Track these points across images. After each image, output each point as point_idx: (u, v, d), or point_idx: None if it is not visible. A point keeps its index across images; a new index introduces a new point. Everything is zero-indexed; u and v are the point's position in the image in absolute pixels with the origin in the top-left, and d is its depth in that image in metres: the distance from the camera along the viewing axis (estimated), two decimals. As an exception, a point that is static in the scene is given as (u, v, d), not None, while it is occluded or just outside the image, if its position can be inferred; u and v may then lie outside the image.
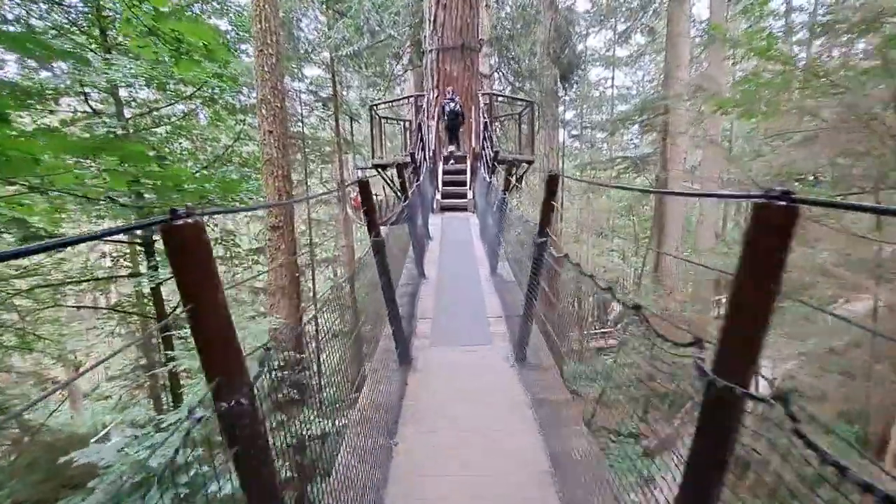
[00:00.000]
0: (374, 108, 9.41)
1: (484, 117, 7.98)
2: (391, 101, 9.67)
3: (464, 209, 8.10)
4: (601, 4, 21.13)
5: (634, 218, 20.22)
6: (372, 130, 9.45)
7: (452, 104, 8.07)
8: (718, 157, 18.60)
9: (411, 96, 9.45)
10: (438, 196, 8.08)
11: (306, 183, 15.92)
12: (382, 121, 10.14)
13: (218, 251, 16.38)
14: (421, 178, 6.55)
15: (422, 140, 7.39)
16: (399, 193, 10.41)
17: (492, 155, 7.21)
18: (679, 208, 16.54)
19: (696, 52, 21.41)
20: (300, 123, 16.08)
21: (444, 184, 8.54)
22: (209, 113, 15.48)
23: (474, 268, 5.66)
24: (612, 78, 23.94)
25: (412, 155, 6.22)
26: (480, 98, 8.98)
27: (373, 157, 9.49)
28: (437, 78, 9.46)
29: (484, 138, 7.48)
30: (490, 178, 6.15)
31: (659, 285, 12.26)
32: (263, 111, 11.08)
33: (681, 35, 15.32)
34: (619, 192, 18.91)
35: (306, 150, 16.75)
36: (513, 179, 5.05)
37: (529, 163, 9.60)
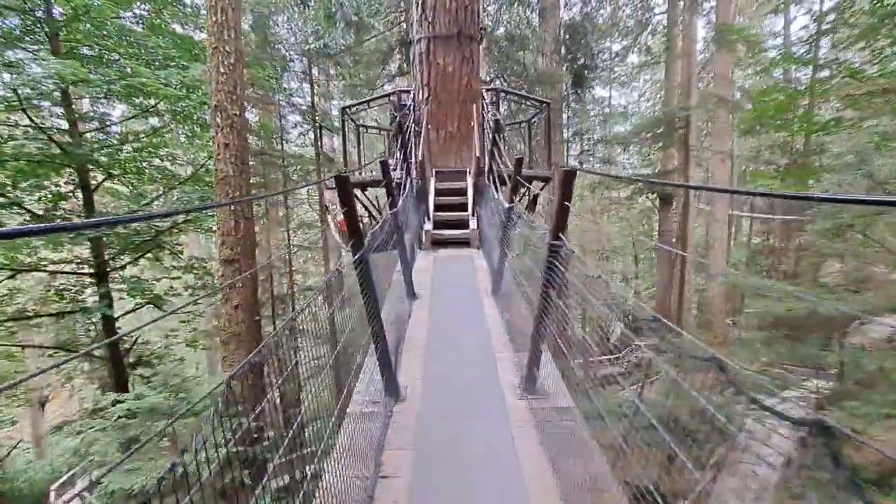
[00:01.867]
0: (348, 111, 6.64)
1: (494, 115, 5.18)
2: (368, 101, 6.94)
3: (465, 243, 5.30)
4: (598, 23, 18.76)
5: (634, 239, 17.53)
6: (345, 141, 6.67)
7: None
8: (725, 175, 16.05)
9: (392, 93, 6.72)
10: (429, 226, 5.27)
11: (286, 205, 13.06)
12: (360, 130, 7.38)
13: (188, 280, 13.43)
14: (401, 202, 3.79)
15: (404, 147, 4.61)
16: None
17: (502, 168, 4.47)
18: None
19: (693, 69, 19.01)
20: (282, 140, 13.30)
21: (437, 208, 5.74)
22: (184, 129, 12.80)
23: (491, 375, 2.77)
24: (610, 97, 21.58)
25: (384, 166, 3.42)
26: (485, 94, 6.27)
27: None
28: (427, 73, 6.71)
29: (494, 143, 4.74)
30: (513, 202, 3.35)
31: (705, 331, 9.43)
32: (218, 120, 8.30)
33: (693, 42, 12.85)
34: (625, 212, 16.21)
35: (289, 169, 13.95)
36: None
37: (546, 180, 6.82)
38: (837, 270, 17.92)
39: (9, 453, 14.60)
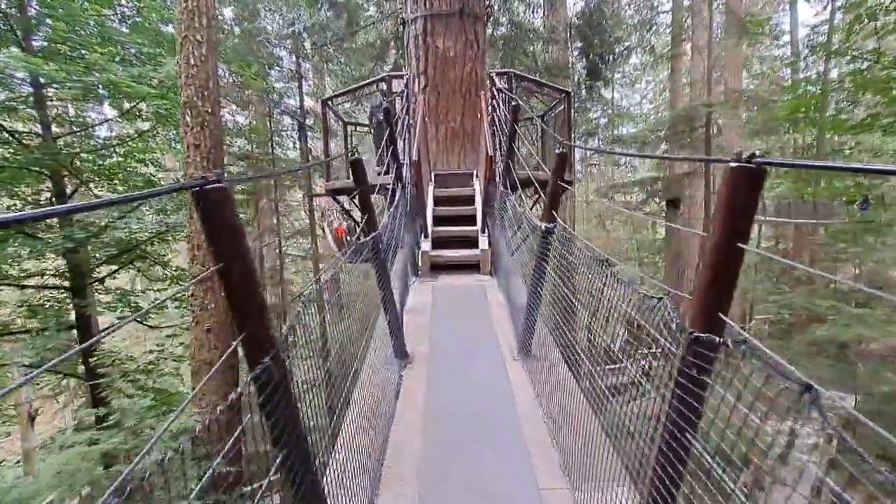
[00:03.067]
0: (330, 104, 5.30)
1: (511, 99, 3.82)
2: (353, 90, 5.58)
3: (474, 267, 3.98)
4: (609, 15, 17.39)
5: (639, 243, 16.19)
6: (326, 138, 5.33)
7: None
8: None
9: (382, 78, 5.34)
10: (426, 245, 3.93)
11: (277, 214, 11.73)
12: (348, 127, 6.02)
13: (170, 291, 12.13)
14: (385, 219, 2.48)
15: (392, 142, 3.27)
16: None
17: (529, 171, 3.10)
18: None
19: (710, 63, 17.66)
20: (271, 143, 11.96)
21: (437, 221, 4.40)
22: (173, 133, 11.52)
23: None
24: (613, 99, 20.28)
25: (357, 166, 2.09)
26: (496, 80, 4.93)
27: (327, 180, 5.33)
28: (424, 58, 5.36)
29: (511, 138, 3.41)
30: (554, 221, 2.02)
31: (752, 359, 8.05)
32: (188, 119, 6.89)
33: (710, 34, 11.51)
34: (638, 220, 14.90)
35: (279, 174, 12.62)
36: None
37: (568, 184, 5.48)
38: (852, 276, 16.69)
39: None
